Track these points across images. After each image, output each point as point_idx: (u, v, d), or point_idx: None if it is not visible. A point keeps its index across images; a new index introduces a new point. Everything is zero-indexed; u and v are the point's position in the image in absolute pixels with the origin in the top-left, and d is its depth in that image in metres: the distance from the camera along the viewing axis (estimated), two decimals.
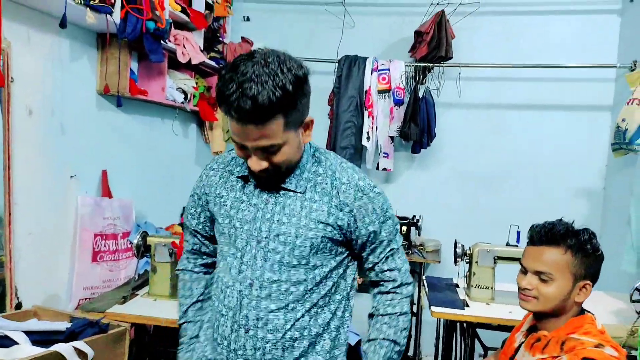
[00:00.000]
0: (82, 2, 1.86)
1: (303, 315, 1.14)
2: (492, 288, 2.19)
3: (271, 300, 1.12)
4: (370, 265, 1.23)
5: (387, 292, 1.23)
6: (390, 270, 1.22)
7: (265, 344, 1.12)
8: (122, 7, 2.08)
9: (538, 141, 3.28)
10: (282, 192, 1.15)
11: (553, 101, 3.26)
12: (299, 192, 1.14)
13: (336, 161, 1.20)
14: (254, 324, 1.12)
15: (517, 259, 2.10)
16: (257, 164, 1.06)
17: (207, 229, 1.30)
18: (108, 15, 1.99)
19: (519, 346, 1.41)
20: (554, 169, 3.26)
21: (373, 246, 1.19)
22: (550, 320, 1.31)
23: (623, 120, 2.48)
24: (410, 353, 3.33)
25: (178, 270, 1.40)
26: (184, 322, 1.35)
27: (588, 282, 1.28)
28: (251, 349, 1.12)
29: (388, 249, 1.21)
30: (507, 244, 2.21)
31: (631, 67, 2.85)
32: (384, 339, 1.19)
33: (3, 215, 1.87)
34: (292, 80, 0.97)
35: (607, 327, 1.31)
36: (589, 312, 1.33)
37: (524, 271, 1.34)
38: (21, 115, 1.91)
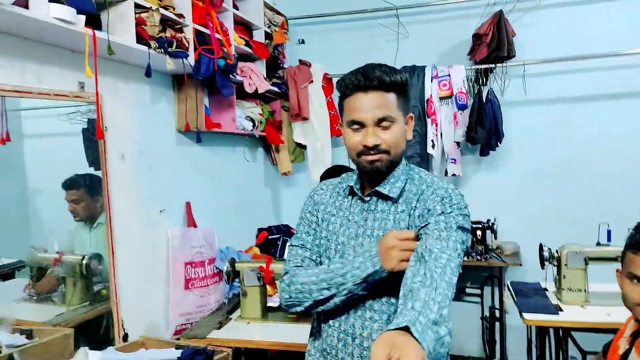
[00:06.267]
0: (162, 51, 2.00)
1: None
2: (585, 290, 2.12)
3: (374, 311, 1.19)
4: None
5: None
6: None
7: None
8: (195, 49, 2.22)
9: (614, 131, 3.14)
10: (379, 208, 1.23)
11: (625, 88, 3.12)
12: (392, 197, 1.22)
13: (429, 178, 1.26)
14: (360, 332, 1.19)
15: (611, 259, 2.06)
16: (372, 137, 1.18)
17: (320, 244, 1.32)
18: (184, 59, 2.13)
19: (625, 353, 1.36)
20: (635, 158, 3.10)
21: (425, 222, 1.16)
22: None
23: None
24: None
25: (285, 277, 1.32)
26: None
27: None
28: (358, 357, 1.19)
29: (442, 225, 1.13)
30: (598, 244, 2.13)
31: None
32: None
33: (107, 253, 2.04)
34: (403, 77, 1.22)
35: None
36: None
37: (636, 280, 1.27)
38: (115, 161, 2.08)
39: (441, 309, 0.98)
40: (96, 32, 1.71)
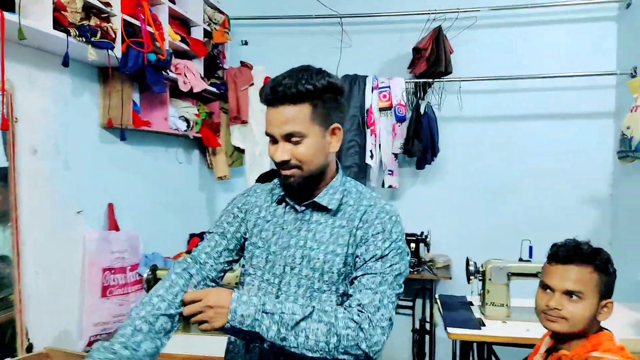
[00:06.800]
0: (84, 39, 1.86)
1: None
2: (507, 305, 2.16)
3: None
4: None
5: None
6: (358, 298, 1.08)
7: None
8: (123, 41, 2.09)
9: (542, 151, 3.26)
10: (314, 219, 1.18)
11: (555, 110, 3.25)
12: (330, 209, 1.17)
13: (368, 193, 1.23)
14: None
15: (531, 275, 2.10)
16: (280, 152, 1.12)
17: (235, 244, 1.26)
18: (109, 50, 2.00)
19: None
20: (560, 178, 3.23)
21: (361, 257, 1.12)
22: (572, 341, 1.29)
23: (628, 127, 2.47)
24: None
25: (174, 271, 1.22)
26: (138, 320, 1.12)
27: (611, 300, 1.27)
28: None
29: (370, 269, 1.10)
30: (520, 260, 2.18)
31: (631, 73, 2.85)
32: None
33: (12, 255, 1.85)
34: (324, 83, 1.10)
35: (626, 342, 1.29)
36: (605, 328, 1.31)
37: (548, 290, 1.30)
38: (26, 155, 1.91)
39: (297, 335, 1.01)
40: (6, 13, 1.56)
